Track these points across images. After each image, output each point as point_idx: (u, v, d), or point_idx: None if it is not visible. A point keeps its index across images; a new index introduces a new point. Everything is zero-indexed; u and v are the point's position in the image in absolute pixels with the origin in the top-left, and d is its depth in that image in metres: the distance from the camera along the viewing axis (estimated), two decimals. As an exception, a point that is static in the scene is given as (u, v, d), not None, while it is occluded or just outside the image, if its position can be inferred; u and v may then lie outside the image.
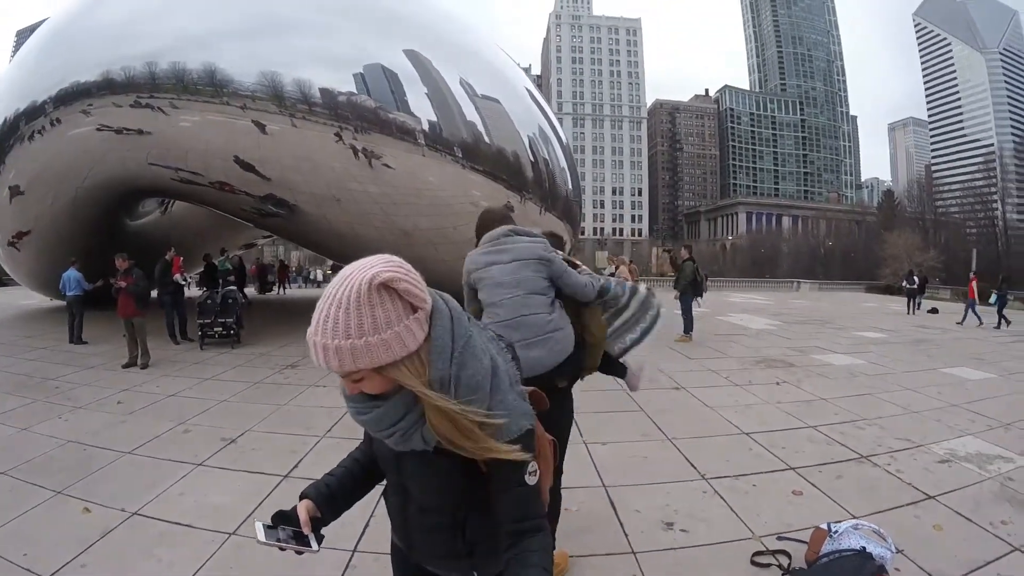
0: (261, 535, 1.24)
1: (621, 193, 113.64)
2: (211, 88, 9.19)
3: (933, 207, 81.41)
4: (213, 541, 3.26)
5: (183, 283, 10.52)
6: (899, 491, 3.89)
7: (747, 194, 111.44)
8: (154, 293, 10.06)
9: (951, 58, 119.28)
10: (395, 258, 1.04)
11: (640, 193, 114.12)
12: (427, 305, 1.05)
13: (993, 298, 16.16)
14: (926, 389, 6.74)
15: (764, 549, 3.10)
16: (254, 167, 9.69)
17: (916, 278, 19.82)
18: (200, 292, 11.81)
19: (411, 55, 10.28)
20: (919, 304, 19.05)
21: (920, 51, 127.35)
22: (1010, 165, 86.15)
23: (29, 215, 12.12)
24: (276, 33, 9.76)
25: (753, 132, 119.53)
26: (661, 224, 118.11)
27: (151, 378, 7.43)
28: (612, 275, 15.55)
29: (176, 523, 3.45)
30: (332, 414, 5.74)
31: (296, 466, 4.38)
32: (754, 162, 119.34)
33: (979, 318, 15.49)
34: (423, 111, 10.10)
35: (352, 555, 3.08)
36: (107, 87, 9.49)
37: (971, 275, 19.02)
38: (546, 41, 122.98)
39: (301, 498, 1.32)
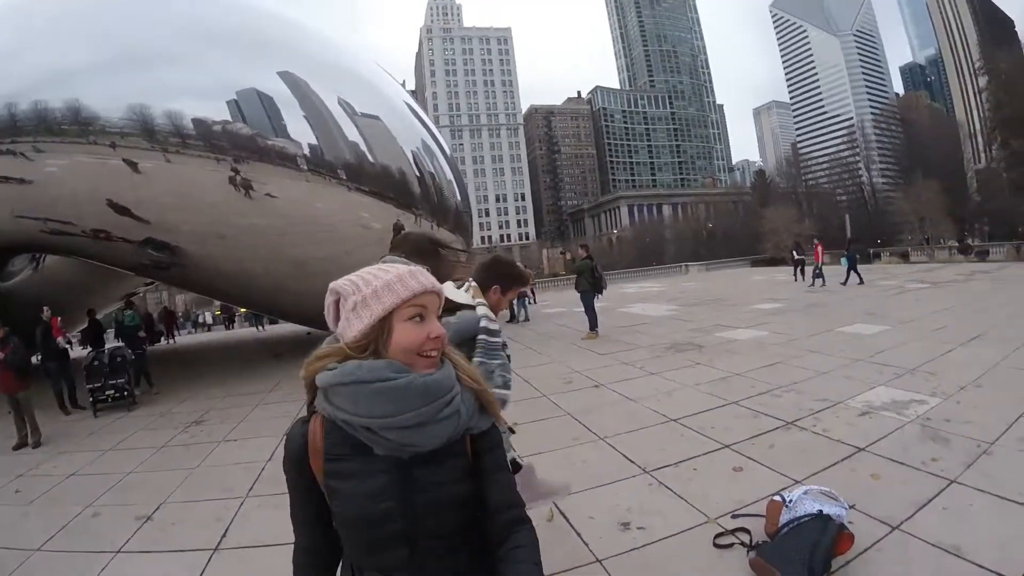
0: None
1: (505, 200, 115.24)
2: (76, 127, 8.35)
3: (803, 181, 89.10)
4: None
5: (66, 346, 9.37)
6: (831, 449, 4.12)
7: (627, 188, 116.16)
8: (37, 359, 9.03)
9: (808, 43, 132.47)
10: None
11: (523, 198, 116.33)
12: None
13: (844, 260, 17.89)
14: (830, 349, 7.20)
15: (723, 530, 3.15)
16: (130, 210, 8.87)
17: (802, 247, 21.82)
18: (85, 352, 10.70)
19: (286, 77, 9.86)
20: (804, 271, 20.55)
21: (778, 39, 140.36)
22: (871, 134, 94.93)
23: None
24: (142, 65, 8.98)
25: (627, 128, 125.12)
26: (547, 226, 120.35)
27: (46, 457, 6.62)
28: None
29: None
30: (250, 470, 5.33)
31: (225, 535, 4.00)
32: (630, 157, 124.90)
33: (823, 279, 17.40)
34: (303, 135, 9.72)
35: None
36: (-36, 135, 8.35)
37: (815, 242, 21.56)
38: (419, 56, 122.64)
39: None
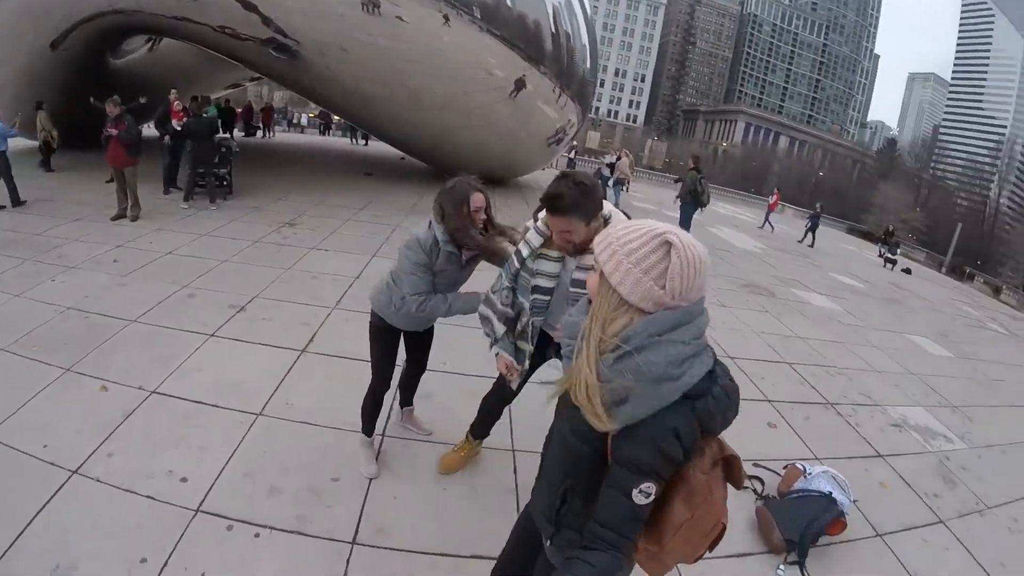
0: None
1: (623, 76, 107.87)
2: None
3: (931, 169, 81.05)
4: (241, 423, 3.30)
5: (178, 128, 9.57)
6: (856, 443, 4.31)
7: (751, 104, 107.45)
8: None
9: (991, 32, 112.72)
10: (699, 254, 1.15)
11: (643, 80, 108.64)
12: (674, 302, 1.15)
13: (808, 222, 18.51)
14: (891, 352, 6.99)
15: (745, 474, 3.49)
16: (256, 7, 8.87)
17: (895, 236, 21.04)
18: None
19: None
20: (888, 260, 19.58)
21: (962, 12, 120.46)
22: (1018, 154, 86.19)
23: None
24: None
25: (772, 44, 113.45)
26: (658, 116, 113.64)
27: (143, 232, 7.07)
28: (611, 165, 15.42)
29: (199, 402, 3.46)
30: (338, 283, 5.71)
31: (311, 340, 4.42)
32: (765, 74, 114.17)
33: (771, 225, 18.71)
34: (443, -36, 9.31)
35: (381, 439, 3.30)
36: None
37: (776, 190, 22.84)
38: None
39: None
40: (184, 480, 2.82)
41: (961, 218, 44.96)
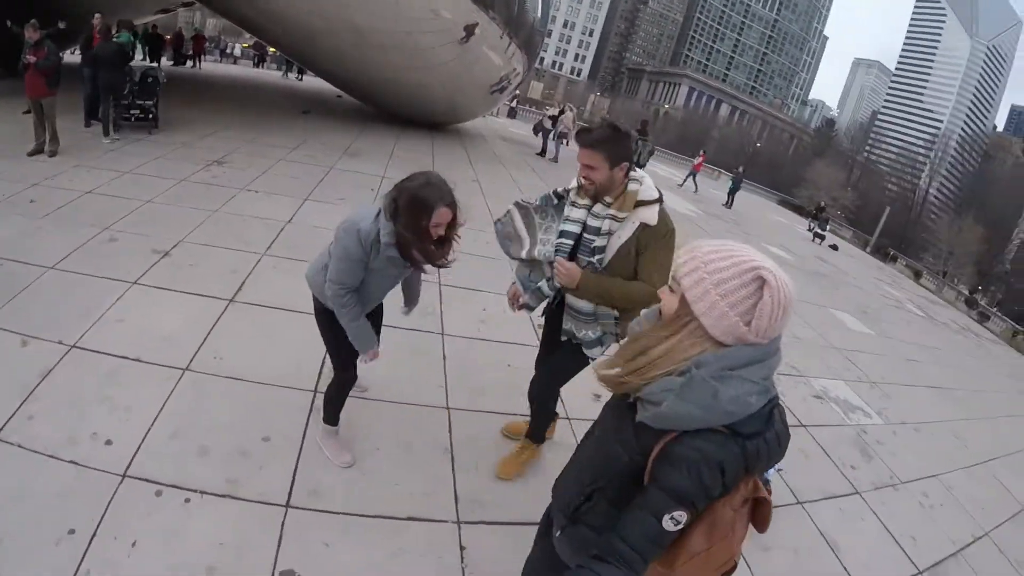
0: None
1: (572, 28, 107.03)
2: None
3: (866, 152, 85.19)
4: (167, 379, 3.12)
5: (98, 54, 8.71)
6: (781, 412, 4.53)
7: (696, 69, 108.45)
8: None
9: (941, 29, 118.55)
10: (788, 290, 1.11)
11: (591, 34, 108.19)
12: (756, 340, 1.12)
13: (730, 184, 19.54)
14: (815, 325, 7.33)
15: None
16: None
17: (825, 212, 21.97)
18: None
19: None
20: (817, 235, 20.51)
21: (915, 8, 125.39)
22: (951, 149, 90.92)
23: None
24: None
25: (723, 12, 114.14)
26: (603, 71, 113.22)
27: (62, 169, 6.48)
28: (554, 118, 15.29)
29: (123, 357, 3.25)
30: (269, 227, 5.44)
31: (240, 288, 4.19)
32: (713, 41, 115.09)
33: (696, 186, 19.21)
34: None
35: (313, 395, 3.19)
36: None
37: (702, 151, 23.79)
38: None
39: None
40: (109, 443, 2.65)
41: (890, 202, 47.41)
